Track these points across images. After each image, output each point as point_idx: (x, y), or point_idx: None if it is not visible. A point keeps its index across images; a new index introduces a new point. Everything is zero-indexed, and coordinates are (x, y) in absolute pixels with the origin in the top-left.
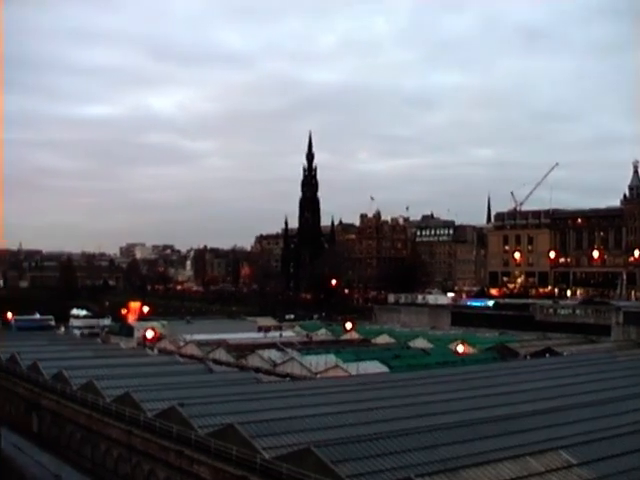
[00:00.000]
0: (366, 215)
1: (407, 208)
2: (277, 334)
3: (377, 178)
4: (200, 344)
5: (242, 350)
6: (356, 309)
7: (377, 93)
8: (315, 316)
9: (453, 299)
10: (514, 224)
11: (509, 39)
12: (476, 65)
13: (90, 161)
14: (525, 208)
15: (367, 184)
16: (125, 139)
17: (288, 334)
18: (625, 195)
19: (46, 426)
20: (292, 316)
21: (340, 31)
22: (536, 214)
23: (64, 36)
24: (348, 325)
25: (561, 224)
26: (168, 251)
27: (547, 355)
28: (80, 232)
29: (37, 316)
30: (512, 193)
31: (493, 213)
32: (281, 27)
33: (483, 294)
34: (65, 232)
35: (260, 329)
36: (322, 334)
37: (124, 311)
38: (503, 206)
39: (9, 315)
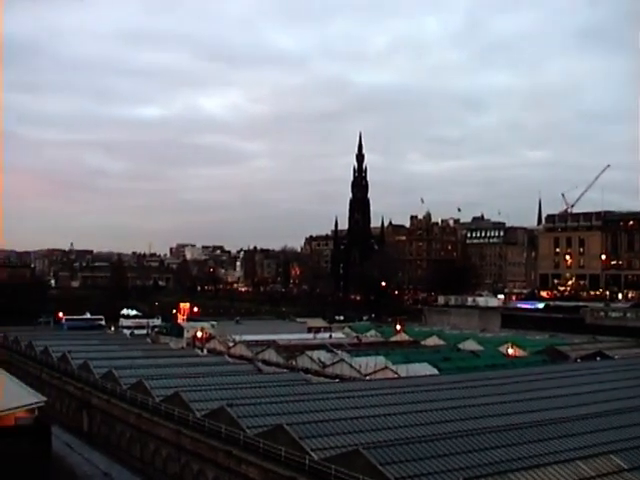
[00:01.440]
0: (416, 216)
1: (459, 210)
2: (327, 335)
3: (427, 179)
4: (249, 344)
5: (291, 351)
6: (406, 311)
7: (428, 94)
8: (365, 317)
9: (503, 301)
10: (565, 226)
11: (561, 39)
12: (527, 65)
13: (142, 162)
14: (576, 210)
15: (417, 185)
16: (176, 140)
17: (337, 335)
18: None
19: (96, 425)
20: (342, 317)
21: (391, 32)
22: (587, 216)
23: (117, 38)
24: (398, 327)
25: (613, 226)
26: (218, 252)
27: (598, 358)
28: (131, 233)
29: (88, 316)
30: (563, 195)
31: (544, 215)
32: (333, 28)
33: (533, 296)
34: (116, 233)
35: (310, 330)
36: (371, 335)
37: (174, 311)
38: (554, 208)
39: (60, 315)
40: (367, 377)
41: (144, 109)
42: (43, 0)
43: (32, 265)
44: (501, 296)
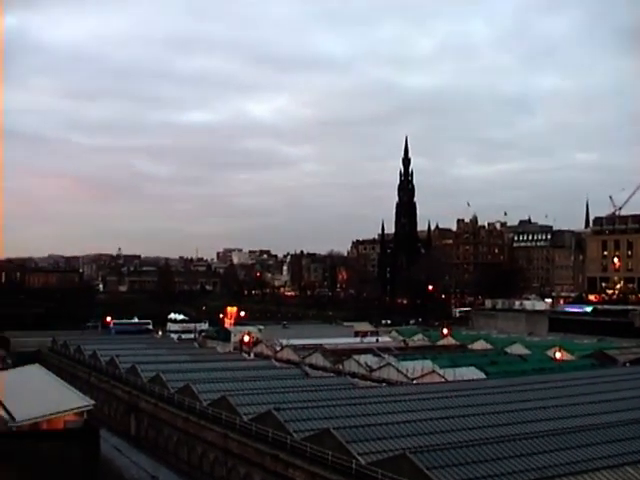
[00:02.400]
0: (463, 220)
1: (505, 213)
2: (373, 339)
3: (474, 183)
4: (296, 349)
5: (338, 355)
6: (453, 315)
7: (475, 97)
8: (411, 321)
9: (550, 305)
10: (613, 229)
11: (609, 40)
12: (575, 67)
13: (189, 167)
14: (624, 212)
15: (464, 189)
16: (223, 145)
17: (384, 339)
18: None
19: (144, 428)
20: (388, 321)
21: (438, 35)
22: (635, 218)
23: (165, 44)
24: (444, 331)
25: None
26: (265, 256)
27: None
28: (178, 237)
29: (135, 320)
30: (611, 197)
31: (592, 218)
32: (379, 32)
33: (581, 300)
34: (163, 237)
35: (357, 334)
36: (418, 339)
37: (221, 316)
38: (602, 211)
39: (108, 319)
40: (414, 381)
41: (192, 114)
42: (91, 7)
43: (80, 270)
44: (548, 300)
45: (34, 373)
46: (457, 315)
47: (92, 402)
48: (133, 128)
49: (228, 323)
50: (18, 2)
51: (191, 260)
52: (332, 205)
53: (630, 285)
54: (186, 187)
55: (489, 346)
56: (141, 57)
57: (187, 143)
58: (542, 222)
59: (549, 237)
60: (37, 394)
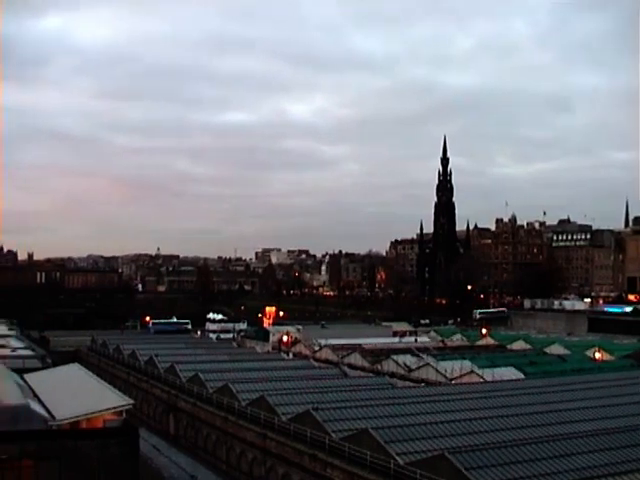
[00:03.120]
0: (502, 220)
1: (544, 213)
2: (412, 339)
3: (513, 182)
4: (335, 348)
5: (377, 355)
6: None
7: (514, 95)
8: (450, 321)
9: (590, 305)
10: None
11: None
12: (613, 64)
13: (228, 167)
14: None
15: (503, 188)
16: (262, 145)
17: (423, 339)
18: None
19: (182, 428)
20: (427, 321)
21: (477, 33)
22: None
23: (204, 45)
24: (483, 330)
25: None
26: (303, 256)
27: None
28: (217, 237)
29: (174, 320)
30: None
31: (631, 217)
32: (418, 31)
33: (621, 300)
34: (202, 237)
35: (395, 334)
36: (457, 339)
37: (259, 315)
38: None
39: (147, 318)
40: (453, 381)
41: (230, 115)
42: (132, 8)
43: (119, 270)
44: (588, 300)
45: (73, 372)
46: (477, 317)
47: (131, 401)
48: (173, 129)
49: (267, 323)
50: (58, 4)
51: (230, 260)
52: (371, 205)
53: None
54: (225, 187)
55: (528, 346)
56: (180, 58)
57: (226, 143)
58: (581, 222)
59: (588, 237)
60: (77, 393)
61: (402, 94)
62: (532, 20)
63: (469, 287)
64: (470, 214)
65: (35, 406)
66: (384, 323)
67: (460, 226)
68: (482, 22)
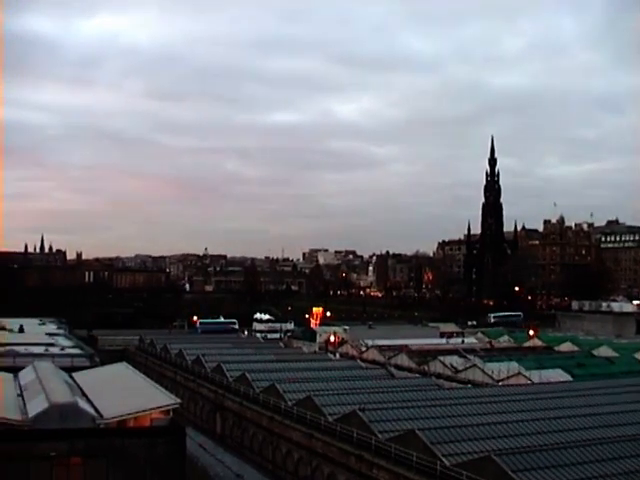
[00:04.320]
0: (549, 221)
1: (591, 214)
2: (459, 340)
3: (562, 183)
4: (382, 349)
5: (424, 356)
6: (539, 316)
7: (563, 96)
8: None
9: (639, 307)
10: None
11: None
12: None
13: (276, 167)
14: None
15: (552, 189)
16: (310, 145)
17: (470, 340)
18: None
19: (229, 427)
20: (474, 322)
21: (526, 33)
22: None
23: (252, 45)
24: (531, 332)
25: None
26: (350, 256)
27: None
28: (264, 237)
29: (221, 320)
30: None
31: None
32: (467, 31)
33: None
34: (249, 237)
35: (442, 335)
36: (504, 341)
37: (306, 316)
38: None
39: (194, 318)
40: (499, 383)
41: (279, 115)
42: (180, 10)
43: (167, 270)
44: (637, 301)
45: (121, 371)
46: (491, 321)
47: (178, 400)
48: (221, 129)
49: (314, 323)
50: (110, 5)
51: (277, 260)
52: (418, 205)
53: None
54: (272, 187)
55: (576, 348)
56: (230, 58)
57: (274, 144)
58: (630, 223)
59: (637, 238)
60: (124, 392)
61: (450, 94)
62: (582, 19)
63: (517, 288)
64: (518, 215)
65: (83, 404)
66: (431, 324)
67: (508, 227)
68: (531, 21)
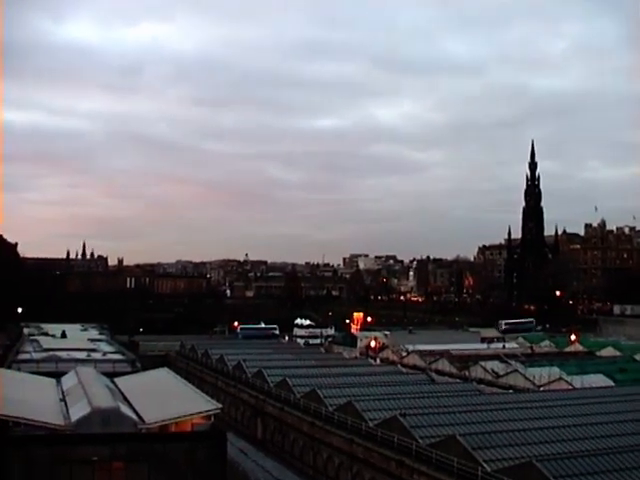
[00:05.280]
0: (591, 225)
1: (634, 217)
2: (500, 345)
3: (604, 186)
4: (422, 354)
5: (464, 361)
6: (580, 320)
7: (607, 98)
8: (538, 327)
9: None
10: None
11: None
12: None
13: (318, 173)
14: None
15: (593, 192)
16: (351, 150)
17: (511, 345)
18: None
19: (270, 432)
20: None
21: (569, 36)
22: None
23: (293, 50)
24: (572, 337)
25: None
26: (391, 261)
27: None
28: (304, 243)
29: (262, 325)
30: None
31: None
32: (509, 34)
33: None
34: (290, 243)
35: (483, 340)
36: (545, 346)
37: (347, 321)
38: None
39: (235, 324)
40: (541, 388)
41: (320, 120)
42: (222, 16)
43: (208, 275)
44: None
45: (162, 376)
46: (502, 328)
47: (219, 406)
48: (263, 135)
49: (354, 328)
50: (152, 13)
51: (317, 265)
52: (459, 210)
53: None
54: (314, 193)
55: (618, 353)
56: (271, 64)
57: (316, 149)
58: None
59: None
60: (165, 397)
61: (492, 98)
62: (625, 21)
63: (558, 293)
64: (559, 219)
65: (125, 409)
66: (472, 329)
67: (549, 231)
68: (574, 23)
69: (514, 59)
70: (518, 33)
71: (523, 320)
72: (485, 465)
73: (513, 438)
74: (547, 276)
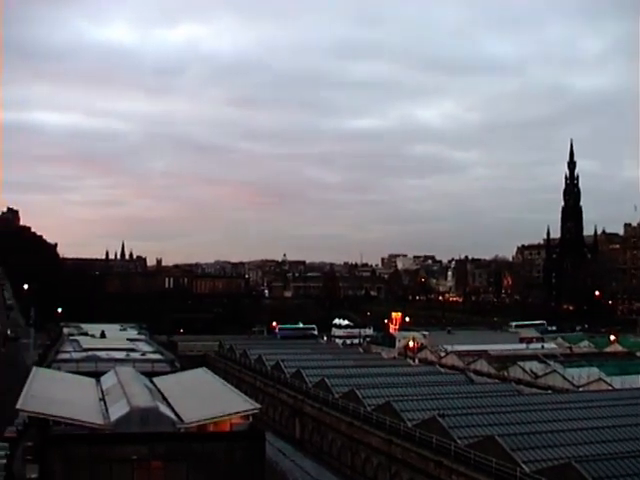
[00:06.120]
0: (630, 224)
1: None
2: (539, 346)
3: None
4: (461, 355)
5: (503, 361)
6: (620, 321)
7: None
8: (577, 328)
9: None
10: None
11: None
12: None
13: (356, 173)
14: None
15: (633, 192)
16: (390, 150)
17: (550, 346)
18: None
19: (308, 432)
20: (554, 327)
21: (608, 34)
22: None
23: (333, 51)
24: (612, 337)
25: None
26: (429, 262)
27: None
28: (343, 243)
29: (300, 325)
30: None
31: None
32: (548, 33)
33: None
34: (328, 243)
35: (522, 340)
36: (584, 346)
37: (385, 321)
38: None
39: (274, 324)
40: (580, 389)
41: (360, 121)
42: (260, 16)
43: (246, 276)
44: None
45: (201, 376)
46: (512, 330)
47: (258, 406)
48: (301, 135)
49: (393, 328)
50: (189, 14)
51: (356, 265)
52: (498, 210)
53: None
54: (352, 193)
55: None
56: (310, 65)
57: (354, 149)
58: None
59: None
60: (204, 397)
61: (531, 97)
62: None
63: (597, 293)
64: (598, 219)
65: (164, 409)
66: (511, 329)
67: (588, 231)
68: (612, 22)
69: (553, 57)
70: (557, 32)
71: (533, 322)
72: (524, 466)
73: (552, 439)
74: (586, 276)
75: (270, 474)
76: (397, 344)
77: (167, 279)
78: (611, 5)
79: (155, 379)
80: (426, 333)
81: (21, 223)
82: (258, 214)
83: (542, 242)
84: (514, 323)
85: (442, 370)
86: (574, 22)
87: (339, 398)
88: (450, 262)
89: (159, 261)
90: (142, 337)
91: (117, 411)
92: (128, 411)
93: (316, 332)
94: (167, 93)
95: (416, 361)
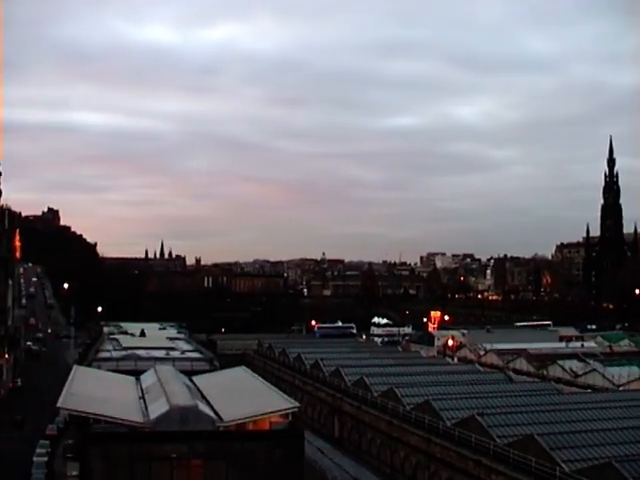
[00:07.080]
0: None
1: None
2: (578, 344)
3: None
4: (500, 353)
5: (542, 360)
6: None
7: None
8: (617, 326)
9: None
10: None
11: None
12: None
13: (395, 171)
14: None
15: None
16: (429, 149)
17: (589, 344)
18: None
19: (347, 431)
20: (594, 326)
21: None
22: None
23: (371, 49)
24: None
25: None
26: (468, 260)
27: None
28: (382, 242)
29: (339, 324)
30: None
31: None
32: (585, 30)
33: None
34: (367, 242)
35: (561, 339)
36: (625, 345)
37: (424, 320)
38: None
39: (313, 322)
40: (620, 388)
41: (398, 119)
42: (297, 16)
43: (285, 274)
44: None
45: (240, 375)
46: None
47: (297, 404)
48: (340, 134)
49: (432, 327)
50: (227, 14)
51: (394, 264)
52: (537, 208)
53: None
54: (391, 191)
55: None
56: (348, 63)
57: (393, 147)
58: None
59: None
60: (243, 395)
61: (570, 94)
62: None
63: (637, 291)
64: (638, 216)
65: (203, 407)
66: (550, 328)
67: (628, 229)
68: None
69: (591, 55)
70: (594, 29)
71: (538, 323)
72: (563, 465)
73: (592, 438)
74: (626, 274)
75: (309, 473)
76: (436, 343)
77: (206, 278)
78: None
79: (194, 378)
80: (465, 332)
81: (61, 223)
82: (297, 213)
83: (581, 240)
84: (518, 324)
85: (481, 369)
86: (612, 19)
87: (378, 397)
88: (489, 260)
89: (198, 260)
90: (181, 336)
91: (157, 409)
92: (168, 409)
93: (355, 331)
94: (206, 92)
95: (455, 360)
